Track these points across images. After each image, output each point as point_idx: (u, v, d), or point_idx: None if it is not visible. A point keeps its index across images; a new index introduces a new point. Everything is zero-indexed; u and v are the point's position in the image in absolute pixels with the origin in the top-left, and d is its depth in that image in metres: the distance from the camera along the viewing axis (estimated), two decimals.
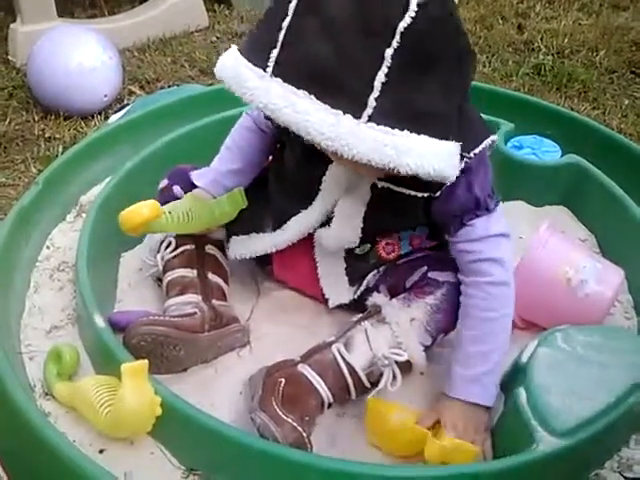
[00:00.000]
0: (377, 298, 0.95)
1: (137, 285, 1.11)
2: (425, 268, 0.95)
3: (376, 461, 0.87)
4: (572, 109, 1.78)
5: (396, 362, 0.90)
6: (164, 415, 0.82)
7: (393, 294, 0.95)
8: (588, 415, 0.81)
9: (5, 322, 0.97)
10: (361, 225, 0.94)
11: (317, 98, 0.71)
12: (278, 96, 0.73)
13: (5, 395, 0.85)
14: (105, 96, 1.71)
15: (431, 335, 0.92)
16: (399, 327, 0.90)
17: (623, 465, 0.84)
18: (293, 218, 0.98)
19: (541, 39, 2.25)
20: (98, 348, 0.93)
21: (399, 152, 0.71)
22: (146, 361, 0.83)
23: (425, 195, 0.90)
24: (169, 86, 1.84)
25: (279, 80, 0.73)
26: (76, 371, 0.93)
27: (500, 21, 2.38)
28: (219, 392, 0.95)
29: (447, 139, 0.75)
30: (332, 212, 0.95)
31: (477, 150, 0.87)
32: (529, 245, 1.04)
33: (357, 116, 0.71)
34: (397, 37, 0.70)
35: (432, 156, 0.73)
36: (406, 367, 0.91)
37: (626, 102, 1.90)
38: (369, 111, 0.71)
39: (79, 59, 1.68)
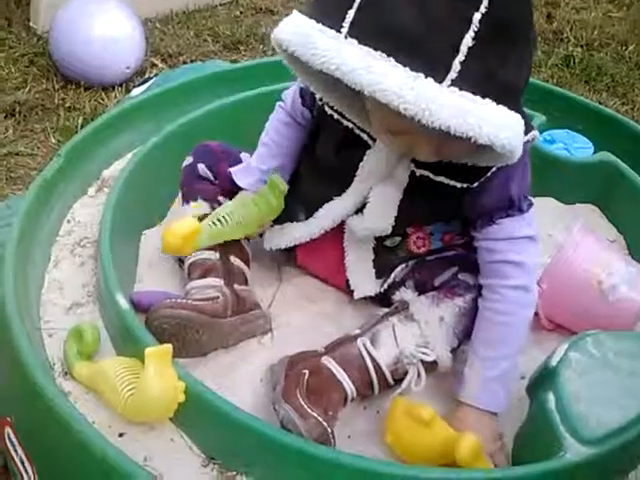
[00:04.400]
0: (405, 294, 0.93)
1: (158, 264, 1.09)
2: (456, 269, 0.93)
3: (395, 457, 0.86)
4: (600, 103, 1.75)
5: (422, 361, 0.88)
6: (186, 402, 0.81)
7: (421, 291, 0.94)
8: (617, 424, 0.79)
9: (24, 297, 0.95)
10: (395, 213, 0.92)
11: (396, 60, 0.68)
12: (353, 57, 0.69)
13: (24, 373, 0.83)
14: (127, 68, 1.69)
15: (457, 338, 0.90)
16: (427, 326, 0.89)
17: None
18: (326, 205, 0.96)
19: (570, 30, 2.22)
20: (120, 329, 0.91)
21: (480, 121, 0.69)
22: (170, 346, 0.81)
23: (464, 186, 0.88)
24: (192, 61, 1.82)
25: (354, 41, 0.70)
26: (97, 351, 0.91)
27: None
28: (239, 379, 0.94)
29: (517, 113, 0.73)
30: (366, 200, 0.92)
31: None
32: (561, 245, 1.01)
33: (439, 80, 0.68)
34: (485, 2, 0.68)
35: (508, 129, 0.71)
36: (431, 367, 0.90)
37: None
38: (453, 75, 0.68)
39: (102, 28, 1.66)
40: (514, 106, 0.72)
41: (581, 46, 2.13)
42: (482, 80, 0.69)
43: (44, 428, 0.83)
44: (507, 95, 0.71)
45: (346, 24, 0.71)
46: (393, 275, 0.98)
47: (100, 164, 1.22)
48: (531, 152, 1.14)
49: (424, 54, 0.68)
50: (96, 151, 1.23)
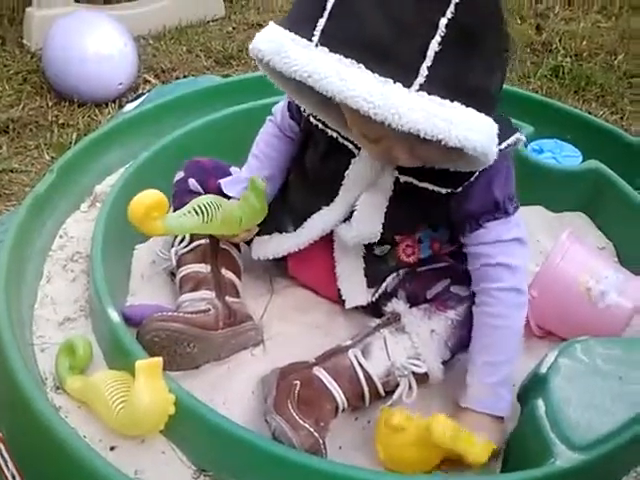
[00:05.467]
0: (397, 305, 0.94)
1: (150, 278, 1.10)
2: (448, 281, 0.93)
3: (384, 468, 0.86)
4: (590, 113, 1.76)
5: (413, 373, 0.89)
6: (177, 414, 0.81)
7: (412, 303, 0.94)
8: (607, 430, 0.80)
9: (17, 312, 0.96)
10: (382, 220, 0.92)
11: (365, 67, 0.70)
12: (324, 65, 0.71)
13: (16, 388, 0.83)
14: (120, 84, 1.71)
15: (450, 350, 0.91)
16: (419, 338, 0.89)
17: None
18: (314, 215, 0.97)
19: (560, 40, 2.24)
20: (112, 343, 0.92)
21: (449, 124, 0.70)
22: (161, 358, 0.81)
23: (448, 191, 0.89)
24: (185, 76, 1.83)
25: (325, 49, 0.72)
26: (89, 365, 0.91)
27: (518, 21, 2.36)
28: (231, 391, 0.94)
29: (490, 117, 0.74)
30: (354, 208, 0.93)
31: (502, 146, 0.86)
32: (549, 253, 1.02)
33: (407, 85, 0.70)
34: (452, 7, 0.69)
35: (479, 131, 0.72)
36: (423, 379, 0.90)
37: None
38: (420, 80, 0.70)
39: (95, 46, 1.67)
40: (486, 110, 0.73)
41: (570, 56, 2.15)
42: (450, 84, 0.70)
43: (35, 442, 0.83)
44: (477, 99, 0.72)
45: (317, 33, 0.72)
46: (384, 285, 0.99)
47: (92, 179, 1.23)
48: (519, 161, 1.16)
49: (392, 60, 0.70)
50: (88, 166, 1.24)
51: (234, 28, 2.19)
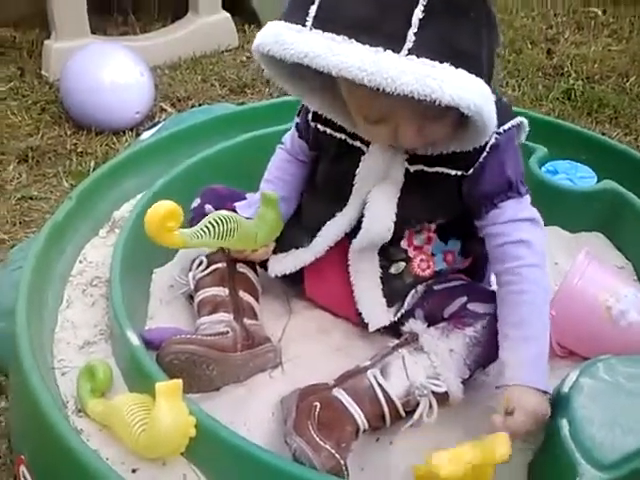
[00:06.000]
0: (414, 325, 0.94)
1: (169, 302, 1.11)
2: (465, 299, 0.93)
3: None
4: (604, 134, 1.76)
5: (433, 392, 0.88)
6: (198, 436, 0.81)
7: (430, 322, 0.94)
8: (632, 448, 0.79)
9: (38, 337, 0.97)
10: (395, 210, 0.94)
11: (356, 41, 0.75)
12: (318, 44, 0.76)
13: (38, 411, 0.84)
14: (137, 113, 1.73)
15: (469, 368, 0.90)
16: (437, 357, 0.89)
17: None
18: (328, 222, 0.99)
19: (571, 64, 2.25)
20: (132, 366, 0.92)
21: (441, 82, 0.73)
22: (180, 380, 0.82)
23: (458, 173, 0.91)
24: (200, 105, 1.86)
25: (318, 31, 0.77)
26: (109, 388, 0.92)
27: (529, 45, 2.38)
28: (251, 413, 0.94)
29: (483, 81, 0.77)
30: (366, 204, 0.95)
31: (506, 127, 0.90)
32: (567, 273, 1.02)
33: (397, 51, 0.74)
34: None
35: (471, 90, 0.75)
36: (443, 398, 0.89)
37: None
38: (408, 45, 0.74)
39: (111, 76, 1.70)
40: (478, 71, 0.77)
41: (582, 79, 2.16)
42: (438, 48, 0.75)
43: (58, 465, 0.83)
44: (466, 62, 0.75)
45: (310, 18, 0.78)
46: (406, 304, 0.99)
47: (110, 206, 1.25)
48: (534, 182, 1.16)
49: (380, 32, 0.75)
50: (107, 193, 1.25)
51: (248, 57, 2.21)
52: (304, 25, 0.78)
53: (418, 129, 0.84)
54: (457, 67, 0.75)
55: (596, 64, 2.25)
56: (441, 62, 0.74)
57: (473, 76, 0.76)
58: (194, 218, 1.08)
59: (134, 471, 0.82)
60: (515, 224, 0.90)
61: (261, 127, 1.39)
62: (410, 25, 0.74)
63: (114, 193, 1.27)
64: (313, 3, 0.78)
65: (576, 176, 1.34)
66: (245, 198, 1.10)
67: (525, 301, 0.88)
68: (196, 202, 1.10)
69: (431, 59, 0.74)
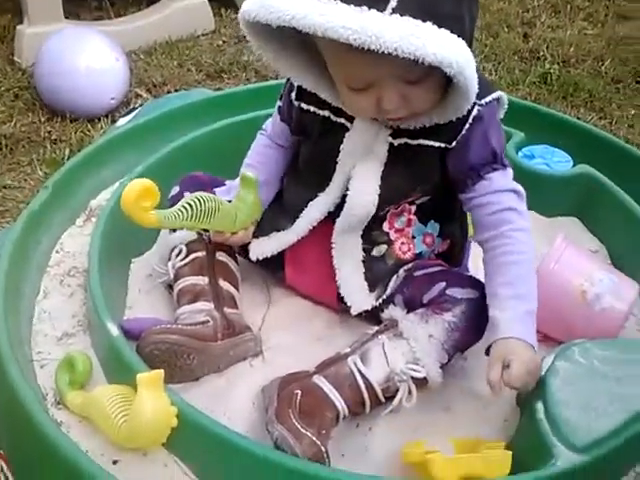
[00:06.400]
0: (394, 311, 0.94)
1: (148, 291, 1.10)
2: (444, 284, 0.94)
3: (387, 474, 0.86)
4: (579, 119, 1.77)
5: (412, 378, 0.89)
6: (179, 426, 0.81)
7: (410, 308, 0.95)
8: (607, 431, 0.81)
9: (16, 329, 0.96)
10: (378, 183, 0.94)
11: (341, 1, 0.77)
12: (304, 6, 0.77)
13: (17, 404, 0.83)
14: (112, 99, 1.71)
15: (448, 353, 0.91)
16: (417, 343, 0.89)
17: None
18: (311, 203, 1.00)
19: (547, 48, 2.26)
20: (111, 357, 0.92)
21: (424, 40, 0.75)
22: (162, 371, 0.82)
23: (442, 146, 0.92)
24: (176, 90, 1.84)
25: None
26: (89, 380, 0.92)
27: (506, 29, 2.39)
28: (231, 402, 0.94)
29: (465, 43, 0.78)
30: (349, 179, 0.95)
31: (487, 99, 0.91)
32: (544, 258, 1.03)
33: (381, 9, 0.76)
34: None
35: (454, 50, 0.76)
36: (422, 384, 0.90)
37: (632, 112, 1.91)
38: (392, 4, 0.76)
39: (86, 61, 1.68)
40: (461, 32, 0.78)
41: (558, 63, 2.17)
42: (421, 8, 0.77)
43: (37, 458, 0.83)
44: (449, 23, 0.77)
45: None
46: (389, 289, 0.99)
47: (87, 194, 1.23)
48: (511, 167, 1.17)
49: None
50: (83, 182, 1.24)
51: (224, 42, 2.19)
52: None
53: (402, 95, 0.85)
54: (440, 27, 0.76)
55: (572, 48, 2.26)
56: (424, 21, 0.76)
57: (455, 36, 0.77)
58: (173, 205, 1.08)
59: (115, 462, 0.82)
60: (503, 194, 0.93)
61: (239, 113, 1.39)
62: None
63: (91, 181, 1.25)
64: None
65: (552, 160, 1.35)
66: (225, 185, 1.09)
67: (515, 261, 0.90)
68: (175, 190, 1.10)
69: (414, 18, 0.76)
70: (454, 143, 0.91)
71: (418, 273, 0.99)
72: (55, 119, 1.68)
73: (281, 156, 1.07)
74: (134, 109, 1.56)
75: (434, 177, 0.96)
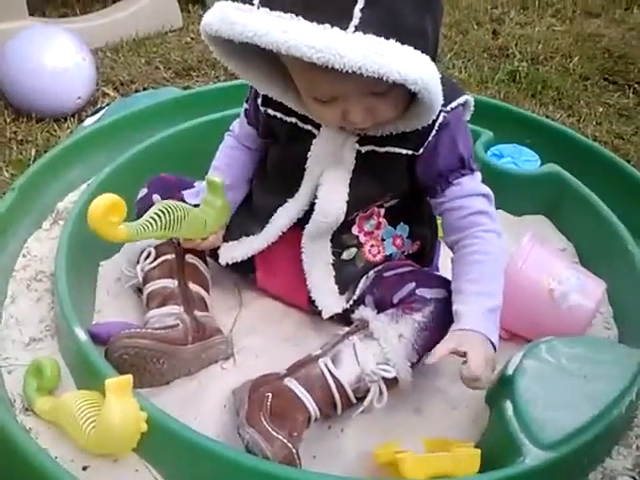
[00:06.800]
0: (364, 312, 0.94)
1: (116, 295, 1.09)
2: (413, 285, 0.94)
3: (359, 475, 0.86)
4: (547, 116, 1.79)
5: (383, 378, 0.89)
6: (149, 431, 0.80)
7: (380, 309, 0.95)
8: (574, 428, 0.82)
9: None
10: (347, 191, 0.94)
11: (304, 18, 0.75)
12: (266, 23, 0.76)
13: None
14: (78, 98, 1.68)
15: (417, 353, 0.91)
16: (387, 343, 0.90)
17: (607, 476, 0.86)
18: (279, 209, 0.99)
19: (515, 45, 2.27)
20: (80, 362, 0.91)
21: (388, 58, 0.74)
22: (130, 376, 0.81)
23: (409, 153, 0.92)
24: (144, 89, 1.82)
25: (266, 9, 0.78)
26: (57, 385, 0.90)
27: (475, 26, 2.40)
28: (203, 405, 0.94)
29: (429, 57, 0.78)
30: (318, 186, 0.95)
31: (453, 105, 0.92)
32: (511, 256, 1.04)
33: (344, 27, 0.75)
34: None
35: (418, 66, 0.76)
36: (392, 383, 0.91)
37: (600, 110, 1.92)
38: (355, 21, 0.75)
39: (51, 60, 1.65)
40: (424, 48, 0.78)
41: (526, 60, 2.18)
42: (384, 24, 0.76)
43: (6, 465, 0.82)
44: (412, 39, 0.77)
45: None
46: (359, 290, 1.00)
47: (54, 197, 1.22)
48: (480, 167, 1.17)
49: (327, 9, 0.76)
50: (50, 184, 1.23)
51: (192, 38, 2.17)
52: (251, 4, 0.79)
53: (367, 108, 0.85)
54: (403, 43, 0.76)
55: (540, 45, 2.28)
56: (387, 38, 0.75)
57: (419, 52, 0.77)
58: (141, 208, 1.07)
59: (85, 468, 0.82)
60: (473, 198, 0.93)
61: (208, 112, 1.38)
62: (356, 2, 0.75)
63: (57, 183, 1.24)
64: None
65: (520, 160, 1.37)
66: (194, 186, 1.09)
67: (482, 260, 0.91)
68: (143, 192, 1.09)
69: (377, 35, 0.75)
70: (421, 150, 0.92)
71: (388, 274, 0.99)
72: (21, 119, 1.65)
73: (249, 158, 1.07)
74: (101, 108, 1.54)
75: (402, 184, 0.97)
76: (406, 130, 0.89)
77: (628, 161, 1.47)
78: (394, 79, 0.75)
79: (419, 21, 0.78)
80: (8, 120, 1.66)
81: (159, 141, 1.30)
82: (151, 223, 0.90)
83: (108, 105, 1.56)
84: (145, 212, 1.05)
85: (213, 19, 0.81)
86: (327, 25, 0.75)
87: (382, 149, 0.93)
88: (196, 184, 1.09)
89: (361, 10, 0.75)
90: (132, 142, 1.29)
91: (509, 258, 1.03)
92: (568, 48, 2.28)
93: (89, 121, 1.47)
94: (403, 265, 1.01)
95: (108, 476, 0.81)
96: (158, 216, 0.91)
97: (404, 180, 0.96)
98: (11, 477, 0.82)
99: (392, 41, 0.75)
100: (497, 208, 1.29)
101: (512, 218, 1.32)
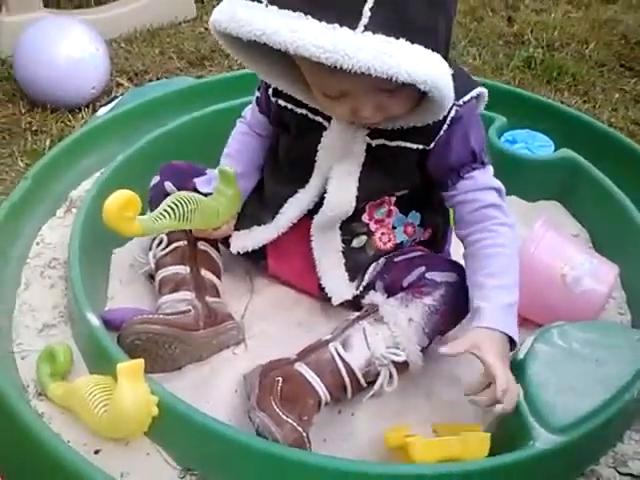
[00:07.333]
0: (374, 297, 0.94)
1: (129, 282, 1.10)
2: (423, 269, 0.94)
3: (370, 458, 0.87)
4: (562, 102, 1.77)
5: (393, 362, 0.89)
6: (160, 415, 0.81)
7: (390, 293, 0.95)
8: (585, 412, 0.82)
9: None
10: (356, 185, 0.94)
11: (312, 17, 0.74)
12: (274, 21, 0.75)
13: None
14: (93, 88, 1.69)
15: (428, 337, 0.91)
16: (397, 327, 0.90)
17: (618, 461, 0.85)
18: (290, 199, 0.99)
19: (531, 32, 2.25)
20: (92, 347, 0.92)
21: (397, 59, 0.73)
22: (142, 360, 0.82)
23: (420, 147, 0.91)
24: (158, 79, 1.82)
25: (274, 7, 0.76)
26: (70, 370, 0.91)
27: (490, 13, 2.38)
28: (214, 390, 0.94)
29: (440, 55, 0.77)
30: (328, 180, 0.95)
31: (466, 98, 0.91)
32: (524, 241, 1.03)
33: (353, 27, 0.73)
34: None
35: (427, 66, 0.75)
36: (403, 367, 0.91)
37: (616, 96, 1.90)
38: (365, 21, 0.73)
39: (66, 51, 1.66)
40: (435, 45, 0.77)
41: (542, 47, 2.16)
42: (393, 23, 0.74)
43: (20, 449, 0.83)
44: (422, 37, 0.76)
45: None
46: (367, 276, 1.00)
47: (67, 185, 1.23)
48: (492, 152, 1.17)
49: (336, 8, 0.74)
50: (63, 172, 1.23)
51: (206, 29, 2.17)
52: (260, 1, 0.77)
53: (377, 104, 0.84)
54: (413, 42, 0.74)
55: (556, 31, 2.25)
56: (397, 38, 0.74)
57: (429, 51, 0.76)
58: (154, 196, 1.08)
59: (97, 452, 0.83)
60: (484, 192, 0.92)
61: (221, 101, 1.38)
62: (366, 0, 0.73)
63: (71, 172, 1.25)
64: None
65: (534, 145, 1.36)
66: (206, 174, 1.09)
67: (502, 253, 0.90)
68: (155, 179, 1.09)
69: (387, 35, 0.74)
70: (432, 144, 0.91)
71: (398, 259, 0.99)
72: (35, 110, 1.66)
73: (260, 144, 1.07)
74: (115, 98, 1.54)
75: (413, 177, 0.96)
76: (417, 124, 0.88)
77: None
78: (403, 79, 0.74)
79: (430, 19, 0.77)
80: (23, 111, 1.67)
81: (172, 129, 1.30)
82: (164, 216, 0.91)
83: (122, 95, 1.57)
84: (157, 200, 1.06)
85: (222, 16, 0.80)
86: (336, 25, 0.73)
87: (393, 143, 0.92)
88: (208, 171, 1.09)
89: (370, 9, 0.73)
90: (145, 131, 1.29)
91: (522, 243, 1.02)
92: (584, 34, 2.25)
93: (102, 110, 1.48)
94: (414, 250, 1.01)
95: (120, 459, 0.82)
96: (172, 209, 0.91)
97: (415, 174, 0.95)
98: (24, 461, 0.83)
99: (402, 40, 0.74)
100: (511, 194, 1.30)
101: (526, 204, 1.32)
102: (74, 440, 0.83)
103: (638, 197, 1.20)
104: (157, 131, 1.29)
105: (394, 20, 0.74)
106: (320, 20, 0.74)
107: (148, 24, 2.10)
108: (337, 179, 0.94)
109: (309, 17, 0.74)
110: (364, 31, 0.73)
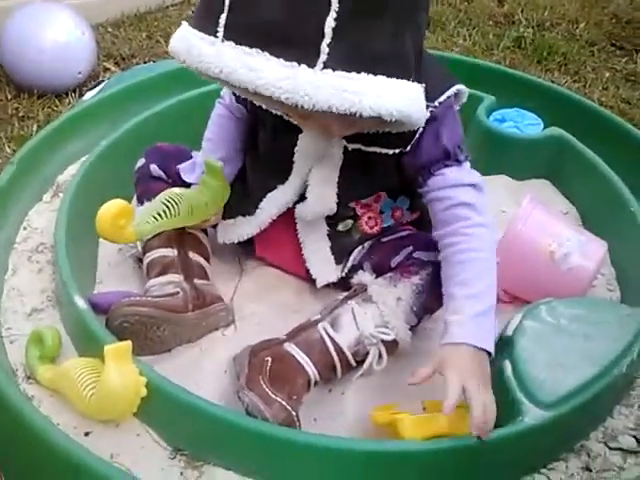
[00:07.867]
0: (363, 276, 0.94)
1: (117, 265, 1.10)
2: (411, 248, 0.94)
3: (359, 437, 0.87)
4: (553, 82, 1.77)
5: (382, 341, 0.89)
6: (149, 396, 0.81)
7: (378, 273, 0.95)
8: (573, 387, 0.82)
9: None
10: (336, 190, 0.94)
11: (270, 54, 0.71)
12: (231, 59, 0.72)
13: None
14: (79, 73, 1.67)
15: (416, 315, 0.91)
16: (386, 306, 0.90)
17: (608, 436, 0.85)
18: (269, 195, 0.99)
19: (521, 12, 2.24)
20: (80, 330, 0.92)
21: (359, 95, 0.71)
22: (130, 342, 0.82)
23: (396, 152, 0.90)
24: (145, 63, 1.81)
25: (231, 43, 0.73)
26: (58, 354, 0.91)
27: None
28: (204, 371, 0.94)
29: (407, 80, 0.74)
30: (306, 183, 0.95)
31: (441, 99, 0.88)
32: (512, 219, 1.03)
33: (312, 65, 0.70)
34: None
35: (393, 96, 0.72)
36: (392, 346, 0.91)
37: (607, 75, 1.90)
38: (323, 57, 0.70)
39: (52, 35, 1.64)
40: (400, 74, 0.73)
41: (532, 27, 2.15)
42: (353, 57, 0.71)
43: (9, 433, 0.83)
44: (385, 66, 0.72)
45: (221, 28, 0.73)
46: (352, 258, 1.00)
47: (54, 170, 1.22)
48: (481, 131, 1.16)
49: (294, 43, 0.71)
50: (49, 157, 1.23)
51: (193, 12, 2.16)
52: (216, 35, 0.74)
53: (347, 124, 0.82)
54: (376, 74, 0.72)
55: (546, 11, 2.24)
56: (358, 72, 0.71)
57: (394, 79, 0.73)
58: (139, 179, 1.07)
59: (87, 434, 0.83)
60: (458, 189, 0.89)
61: (206, 83, 1.36)
62: (323, 36, 0.70)
63: (57, 156, 1.24)
64: (223, 10, 0.73)
65: (523, 124, 1.35)
66: (191, 157, 1.08)
67: (473, 259, 0.86)
68: (141, 162, 1.09)
69: (347, 71, 0.70)
70: (409, 147, 0.90)
71: (386, 239, 0.99)
72: (22, 96, 1.65)
73: (239, 127, 1.05)
74: (101, 82, 1.53)
75: (391, 179, 0.95)
76: (392, 131, 0.86)
77: (635, 125, 1.45)
78: (367, 115, 0.71)
79: (393, 46, 0.73)
80: (9, 96, 1.66)
81: (156, 113, 1.29)
82: (156, 218, 0.92)
83: (108, 79, 1.55)
84: (143, 182, 1.06)
85: (179, 48, 0.78)
86: (294, 63, 0.70)
87: (369, 149, 0.91)
88: (193, 154, 1.09)
89: (329, 45, 0.70)
90: (131, 114, 1.28)
91: (509, 221, 1.02)
92: (575, 14, 2.24)
93: (89, 95, 1.47)
94: (402, 230, 1.01)
95: (110, 441, 0.82)
96: (163, 210, 0.92)
97: (394, 174, 0.94)
98: (15, 445, 0.83)
99: (363, 74, 0.71)
100: (500, 173, 1.32)
101: (515, 182, 1.32)
102: (64, 423, 0.83)
103: (628, 175, 1.20)
104: (142, 114, 1.28)
105: (355, 54, 0.71)
106: (278, 57, 0.70)
107: (135, 8, 2.08)
108: (315, 184, 0.94)
109: (267, 54, 0.71)
110: (323, 68, 0.70)
